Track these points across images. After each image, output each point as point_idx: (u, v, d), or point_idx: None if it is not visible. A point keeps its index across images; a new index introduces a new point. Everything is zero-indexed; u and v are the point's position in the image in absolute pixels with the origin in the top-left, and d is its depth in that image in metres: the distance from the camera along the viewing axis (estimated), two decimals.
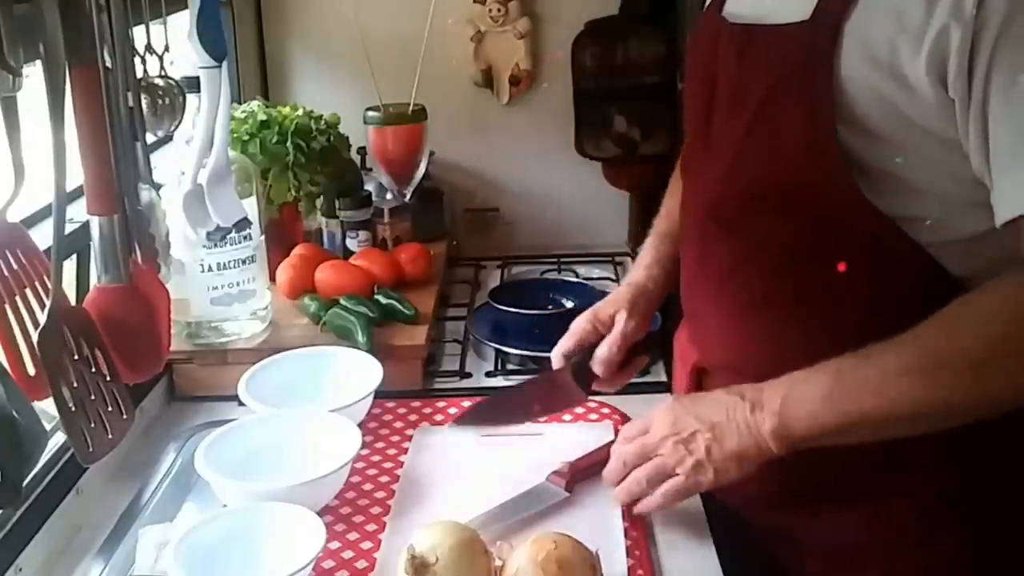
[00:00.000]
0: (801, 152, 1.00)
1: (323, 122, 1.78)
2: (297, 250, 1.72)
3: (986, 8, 0.88)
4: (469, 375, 1.54)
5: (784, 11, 1.03)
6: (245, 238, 1.46)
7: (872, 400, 0.97)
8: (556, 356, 1.30)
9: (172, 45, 1.25)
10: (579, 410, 1.38)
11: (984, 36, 0.88)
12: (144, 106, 1.16)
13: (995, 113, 0.90)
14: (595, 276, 1.90)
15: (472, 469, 1.24)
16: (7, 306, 0.93)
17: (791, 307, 1.06)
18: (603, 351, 1.28)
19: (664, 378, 1.50)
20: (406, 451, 1.30)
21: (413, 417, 1.38)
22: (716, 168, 1.10)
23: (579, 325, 1.31)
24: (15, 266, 0.95)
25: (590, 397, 1.32)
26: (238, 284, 1.48)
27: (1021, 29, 0.88)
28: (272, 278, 1.63)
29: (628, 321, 1.28)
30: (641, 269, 1.36)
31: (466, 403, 1.40)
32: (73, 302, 1.00)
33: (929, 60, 0.91)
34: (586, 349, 1.29)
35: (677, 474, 1.06)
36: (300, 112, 1.75)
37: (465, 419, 1.31)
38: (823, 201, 1.00)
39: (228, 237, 1.41)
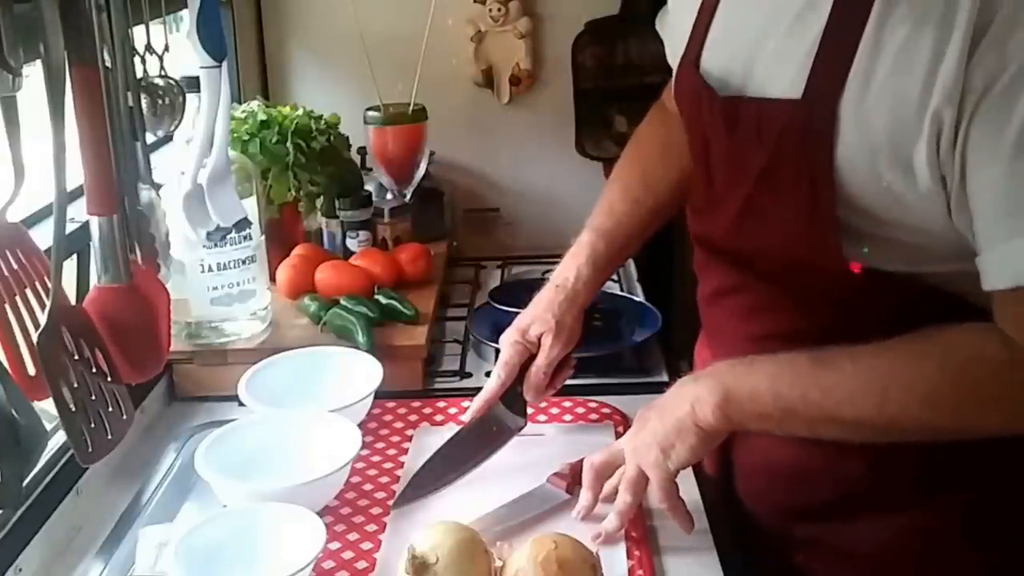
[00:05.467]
0: (801, 228, 1.00)
1: (323, 122, 1.78)
2: (297, 250, 1.72)
3: (969, 83, 0.87)
4: (469, 375, 1.54)
5: (770, 84, 1.01)
6: (245, 238, 1.46)
7: (816, 396, 0.97)
8: (493, 391, 1.25)
9: (172, 45, 1.25)
10: (579, 411, 1.38)
11: (964, 113, 0.88)
12: (144, 106, 1.16)
13: (973, 184, 0.90)
14: None
15: (472, 470, 1.24)
16: (7, 306, 0.93)
17: (813, 341, 1.04)
18: (532, 380, 1.25)
19: (665, 378, 1.50)
20: (406, 451, 1.30)
21: (413, 417, 1.38)
22: (720, 221, 1.10)
23: (509, 350, 1.26)
24: (15, 266, 0.95)
25: (590, 396, 1.31)
26: (238, 284, 1.48)
27: (995, 102, 0.86)
28: (272, 278, 1.63)
29: (554, 346, 1.24)
30: (573, 269, 1.29)
31: (466, 403, 1.39)
32: (73, 302, 1.00)
33: (928, 142, 0.90)
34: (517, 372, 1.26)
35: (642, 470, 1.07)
36: (300, 112, 1.75)
37: (405, 498, 1.19)
38: (826, 271, 1.00)
39: (228, 237, 1.41)
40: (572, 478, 1.17)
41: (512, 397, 1.26)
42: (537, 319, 1.26)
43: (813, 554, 1.13)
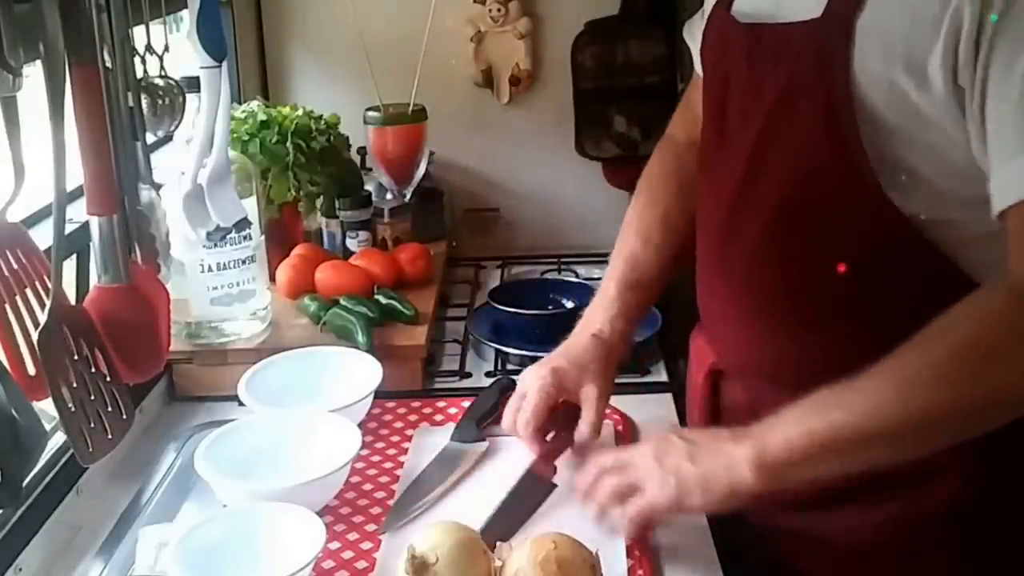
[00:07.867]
0: (820, 151, 0.99)
1: (323, 122, 1.78)
2: (297, 250, 1.72)
3: None
4: (469, 375, 1.54)
5: (792, 9, 1.02)
6: (245, 238, 1.46)
7: (843, 418, 0.95)
8: (528, 435, 1.18)
9: (172, 45, 1.25)
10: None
11: (987, 19, 0.88)
12: (144, 106, 1.16)
13: (992, 99, 0.90)
14: (595, 276, 1.89)
15: (472, 469, 1.24)
16: (7, 306, 0.93)
17: (808, 309, 1.04)
18: (583, 436, 1.17)
19: (664, 378, 1.50)
20: (406, 451, 1.30)
21: (413, 417, 1.38)
22: (732, 171, 1.10)
23: (538, 395, 1.18)
24: (15, 266, 0.95)
25: None
26: (238, 284, 1.48)
27: (1021, 12, 0.87)
28: (272, 278, 1.63)
29: (601, 401, 1.18)
30: (607, 322, 1.24)
31: (466, 403, 1.39)
32: (73, 302, 1.00)
33: (944, 48, 0.90)
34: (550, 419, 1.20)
35: (643, 489, 1.04)
36: (300, 112, 1.75)
37: (389, 524, 1.14)
38: (842, 201, 0.99)
39: (228, 237, 1.40)
40: (549, 455, 1.17)
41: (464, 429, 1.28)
42: (577, 367, 1.21)
43: (797, 545, 1.13)
